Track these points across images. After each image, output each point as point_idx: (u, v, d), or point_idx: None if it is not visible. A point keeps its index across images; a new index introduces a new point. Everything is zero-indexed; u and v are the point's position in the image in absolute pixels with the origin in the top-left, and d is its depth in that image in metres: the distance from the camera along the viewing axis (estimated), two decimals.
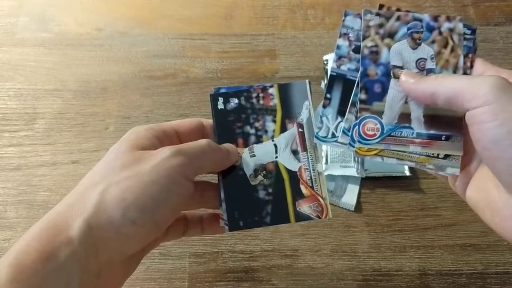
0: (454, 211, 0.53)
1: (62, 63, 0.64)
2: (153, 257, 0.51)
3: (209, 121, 0.38)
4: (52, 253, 0.27)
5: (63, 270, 0.27)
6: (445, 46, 0.35)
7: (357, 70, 0.35)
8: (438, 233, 0.52)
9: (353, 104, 0.35)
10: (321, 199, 0.35)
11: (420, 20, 0.36)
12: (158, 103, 0.61)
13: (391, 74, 0.35)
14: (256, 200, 0.36)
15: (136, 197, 0.29)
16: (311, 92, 0.38)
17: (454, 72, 0.34)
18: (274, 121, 0.37)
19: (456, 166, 0.33)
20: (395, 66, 0.35)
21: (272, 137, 0.37)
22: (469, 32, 0.35)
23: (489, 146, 0.28)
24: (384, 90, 0.34)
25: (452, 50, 0.35)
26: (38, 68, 0.64)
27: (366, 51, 0.35)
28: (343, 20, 0.36)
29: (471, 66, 0.35)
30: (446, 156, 0.33)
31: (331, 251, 0.51)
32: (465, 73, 0.34)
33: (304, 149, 0.37)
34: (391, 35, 0.35)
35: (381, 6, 0.36)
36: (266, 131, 0.37)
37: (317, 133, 0.35)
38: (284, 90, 0.38)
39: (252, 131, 0.37)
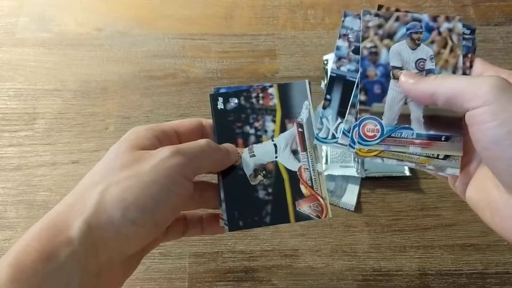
0: (454, 211, 0.53)
1: (62, 63, 0.64)
2: (153, 257, 0.51)
3: (209, 121, 0.38)
4: (52, 253, 0.27)
5: (63, 270, 0.27)
6: (444, 46, 0.35)
7: (357, 71, 0.35)
8: (438, 233, 0.52)
9: (353, 105, 0.35)
10: (321, 199, 0.35)
11: (419, 21, 0.35)
12: (158, 103, 0.61)
13: (391, 75, 0.35)
14: (256, 200, 0.36)
15: (136, 197, 0.29)
16: (311, 92, 0.38)
17: (454, 72, 0.34)
18: (274, 121, 0.37)
19: (456, 166, 0.33)
20: (394, 67, 0.35)
21: (272, 137, 0.37)
22: (468, 32, 0.35)
23: (489, 146, 0.28)
24: (384, 91, 0.34)
25: (452, 50, 0.35)
26: (38, 68, 0.64)
27: (365, 52, 0.35)
28: (343, 21, 0.36)
29: (471, 66, 0.35)
30: (446, 157, 0.33)
31: (331, 251, 0.51)
32: (464, 73, 0.34)
33: (304, 149, 0.37)
34: (390, 35, 0.35)
35: (380, 7, 0.36)
36: (265, 131, 0.37)
37: (317, 134, 0.35)
38: (284, 90, 0.38)
39: (252, 131, 0.37)
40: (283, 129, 0.37)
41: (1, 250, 0.51)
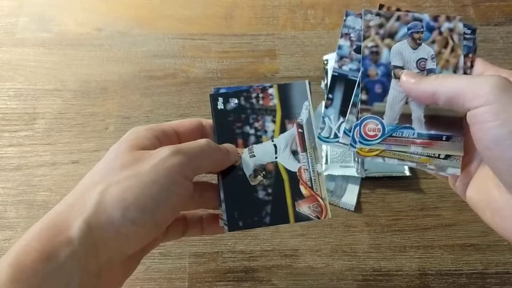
0: (454, 211, 0.53)
1: (62, 63, 0.64)
2: (153, 257, 0.51)
3: (208, 121, 0.38)
4: (52, 253, 0.27)
5: (63, 270, 0.27)
6: (445, 46, 0.35)
7: (358, 70, 0.35)
8: (438, 233, 0.52)
9: (354, 105, 0.35)
10: (320, 200, 0.35)
11: (420, 20, 0.35)
12: (158, 103, 0.61)
13: (392, 75, 0.35)
14: (256, 201, 0.36)
15: (136, 197, 0.29)
16: (311, 92, 0.38)
17: (455, 72, 0.34)
18: (274, 122, 0.37)
19: (457, 166, 0.33)
20: (395, 67, 0.35)
21: (272, 138, 0.37)
22: (469, 32, 0.35)
23: (490, 146, 0.28)
24: (385, 91, 0.34)
25: (452, 50, 0.35)
26: (38, 68, 0.64)
27: (366, 52, 0.35)
28: (344, 20, 0.36)
29: (471, 66, 0.35)
30: (447, 157, 0.33)
31: (331, 251, 0.51)
32: (465, 73, 0.34)
33: (304, 149, 0.37)
34: (391, 35, 0.35)
35: (381, 6, 0.36)
36: (265, 131, 0.37)
37: (319, 133, 0.35)
38: (284, 91, 0.38)
39: (252, 131, 0.37)
40: (283, 129, 0.37)
41: (1, 250, 0.51)
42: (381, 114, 0.34)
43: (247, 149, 0.37)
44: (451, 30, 0.35)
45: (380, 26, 0.36)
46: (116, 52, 0.65)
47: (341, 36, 0.36)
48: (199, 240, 0.52)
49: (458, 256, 0.51)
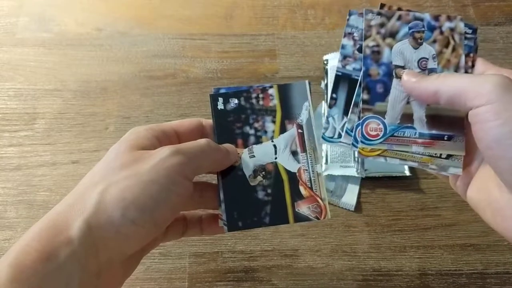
0: (454, 211, 0.53)
1: (62, 63, 0.64)
2: (153, 257, 0.51)
3: (208, 121, 0.38)
4: (52, 253, 0.27)
5: (63, 270, 0.27)
6: (447, 46, 0.35)
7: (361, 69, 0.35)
8: (438, 233, 0.52)
9: (356, 105, 0.35)
10: (320, 200, 0.35)
11: (421, 20, 0.35)
12: (158, 103, 0.61)
13: (393, 74, 0.35)
14: (255, 201, 0.36)
15: (135, 196, 0.29)
16: (311, 92, 0.38)
17: (456, 71, 0.34)
18: (274, 122, 0.37)
19: (458, 166, 0.33)
20: (397, 66, 0.35)
21: (272, 138, 0.37)
22: (470, 31, 0.35)
23: (491, 145, 0.27)
24: (386, 90, 0.34)
25: (454, 49, 0.35)
26: (38, 68, 0.64)
27: (367, 51, 0.35)
28: (348, 20, 0.36)
29: (473, 66, 0.35)
30: (449, 156, 0.33)
31: (331, 251, 0.51)
32: (466, 72, 0.34)
33: (304, 150, 0.37)
34: (393, 34, 0.35)
35: (382, 6, 0.36)
36: (265, 132, 0.37)
37: (323, 133, 0.35)
38: (284, 91, 0.38)
39: (252, 131, 0.37)
40: (283, 130, 0.37)
41: (1, 250, 0.51)
42: (382, 113, 0.34)
43: (247, 149, 0.37)
44: (452, 29, 0.35)
45: (381, 25, 0.36)
46: (116, 52, 0.65)
47: (344, 36, 0.36)
48: (199, 240, 0.52)
49: (458, 256, 0.51)
